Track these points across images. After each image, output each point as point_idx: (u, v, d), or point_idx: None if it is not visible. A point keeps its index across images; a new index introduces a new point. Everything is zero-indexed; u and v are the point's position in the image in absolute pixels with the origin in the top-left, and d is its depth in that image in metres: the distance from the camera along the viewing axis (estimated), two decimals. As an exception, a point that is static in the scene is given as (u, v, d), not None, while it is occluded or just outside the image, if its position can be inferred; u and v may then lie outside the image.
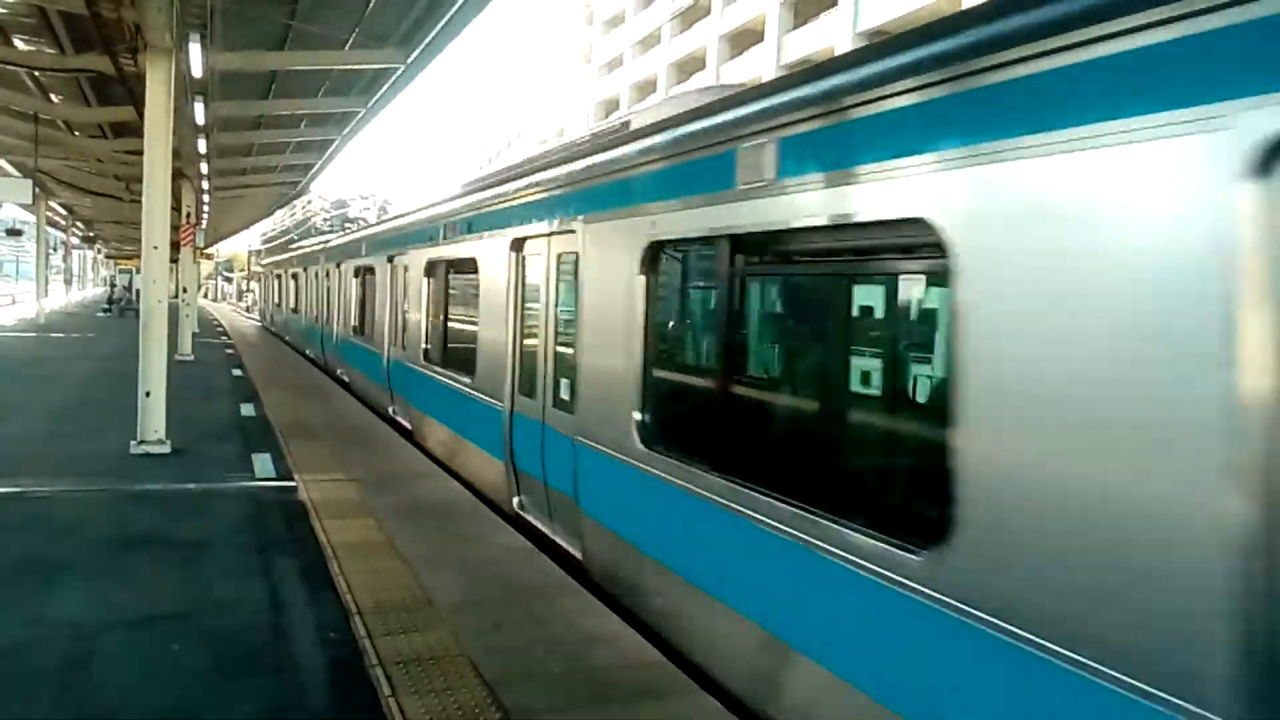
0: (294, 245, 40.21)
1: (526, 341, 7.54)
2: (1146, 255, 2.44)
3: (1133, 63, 2.51)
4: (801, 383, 4.85)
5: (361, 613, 5.16)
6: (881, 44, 3.69)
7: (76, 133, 20.68)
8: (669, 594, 5.03)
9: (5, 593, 5.39)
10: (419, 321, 11.29)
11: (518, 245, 7.67)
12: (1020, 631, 2.71)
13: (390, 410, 12.91)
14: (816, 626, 3.79)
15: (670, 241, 5.16)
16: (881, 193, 3.43)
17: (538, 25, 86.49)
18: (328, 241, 22.53)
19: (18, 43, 14.84)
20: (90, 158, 23.45)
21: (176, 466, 9.08)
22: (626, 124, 6.87)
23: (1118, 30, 2.54)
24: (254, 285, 66.94)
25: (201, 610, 5.22)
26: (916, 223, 3.23)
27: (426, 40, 13.01)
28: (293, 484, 8.40)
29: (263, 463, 9.24)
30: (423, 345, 11.07)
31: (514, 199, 7.80)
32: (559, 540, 6.71)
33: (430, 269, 10.97)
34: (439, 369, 10.22)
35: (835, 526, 3.62)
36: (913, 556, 3.17)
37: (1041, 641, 2.64)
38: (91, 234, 49.01)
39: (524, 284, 7.67)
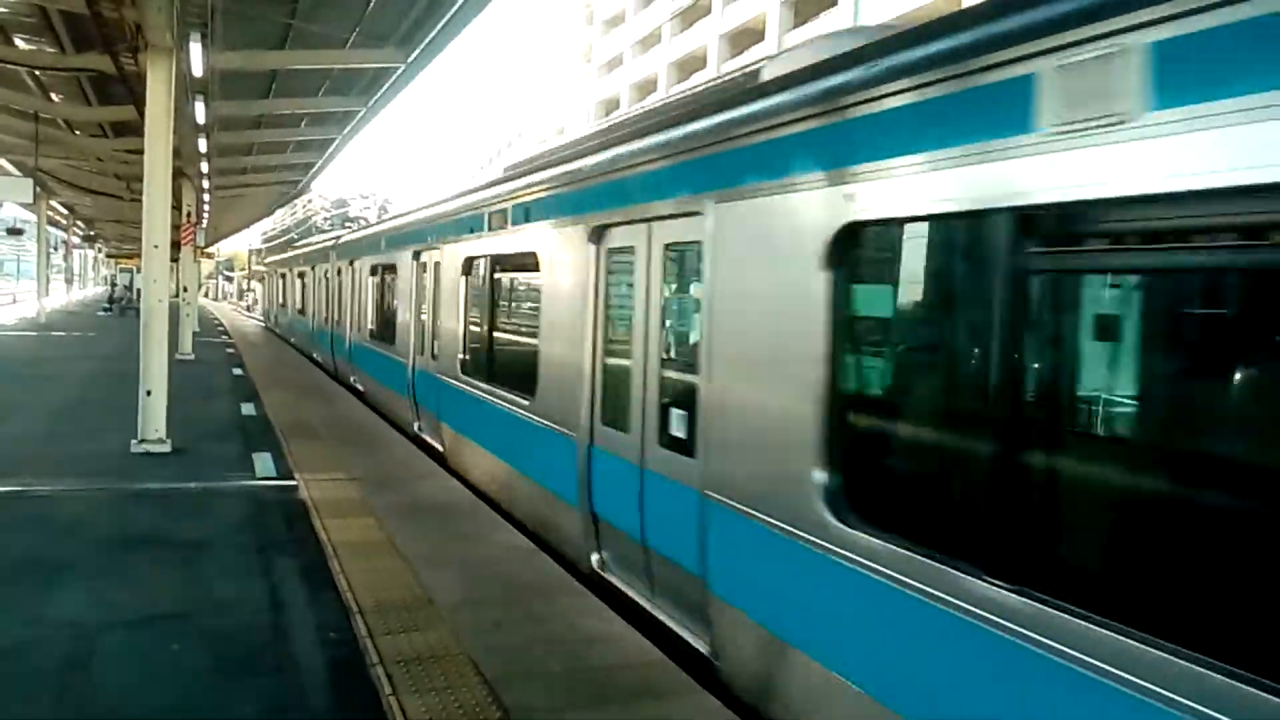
0: (300, 242, 38.54)
1: (612, 360, 6.07)
2: None
3: None
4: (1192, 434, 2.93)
5: (362, 612, 5.17)
6: None
7: (77, 132, 20.70)
8: None
9: (5, 592, 5.40)
10: (455, 328, 9.84)
11: (598, 234, 6.20)
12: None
13: (415, 427, 11.41)
14: None
15: (884, 222, 3.67)
16: None
17: (538, 25, 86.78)
18: (339, 237, 20.87)
19: (18, 42, 14.83)
20: (91, 157, 23.45)
21: (177, 466, 9.09)
22: (756, 73, 5.21)
23: None
24: (255, 285, 67.00)
25: (202, 610, 5.22)
26: None
27: (427, 40, 13.00)
28: (293, 483, 8.40)
29: (263, 462, 9.25)
30: (460, 355, 9.60)
31: (593, 178, 6.34)
32: (662, 618, 5.29)
33: (469, 266, 9.58)
34: (482, 385, 8.69)
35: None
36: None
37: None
38: (92, 233, 49.06)
39: (608, 284, 6.17)
